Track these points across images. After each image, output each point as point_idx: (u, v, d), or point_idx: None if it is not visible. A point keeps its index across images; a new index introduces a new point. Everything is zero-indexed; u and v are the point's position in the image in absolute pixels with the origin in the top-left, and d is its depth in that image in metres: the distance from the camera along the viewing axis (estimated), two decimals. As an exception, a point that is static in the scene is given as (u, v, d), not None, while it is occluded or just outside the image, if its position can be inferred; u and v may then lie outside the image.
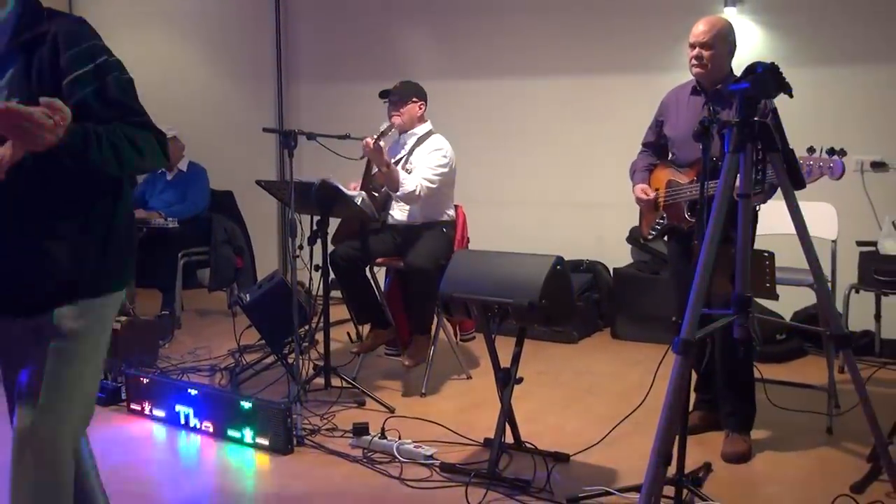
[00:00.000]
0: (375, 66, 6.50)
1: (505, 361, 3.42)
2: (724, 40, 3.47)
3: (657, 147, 3.83)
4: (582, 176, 5.97)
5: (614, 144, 5.73)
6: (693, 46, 3.51)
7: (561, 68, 5.97)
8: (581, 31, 5.88)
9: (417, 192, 4.41)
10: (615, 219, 5.72)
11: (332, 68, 6.86)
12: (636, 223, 5.62)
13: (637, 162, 3.87)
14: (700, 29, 3.49)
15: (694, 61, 3.51)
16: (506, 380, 3.36)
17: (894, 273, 4.52)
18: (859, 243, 4.71)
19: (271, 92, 7.04)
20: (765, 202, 3.39)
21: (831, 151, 2.93)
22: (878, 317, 4.87)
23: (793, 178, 2.09)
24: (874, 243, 4.68)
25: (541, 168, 6.12)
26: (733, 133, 2.08)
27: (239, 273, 6.09)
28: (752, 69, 2.12)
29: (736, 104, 2.10)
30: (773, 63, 2.11)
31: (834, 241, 4.13)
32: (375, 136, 4.30)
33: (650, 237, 3.81)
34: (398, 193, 4.42)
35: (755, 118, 2.07)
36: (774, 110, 2.13)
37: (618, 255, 5.77)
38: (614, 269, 5.68)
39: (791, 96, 2.14)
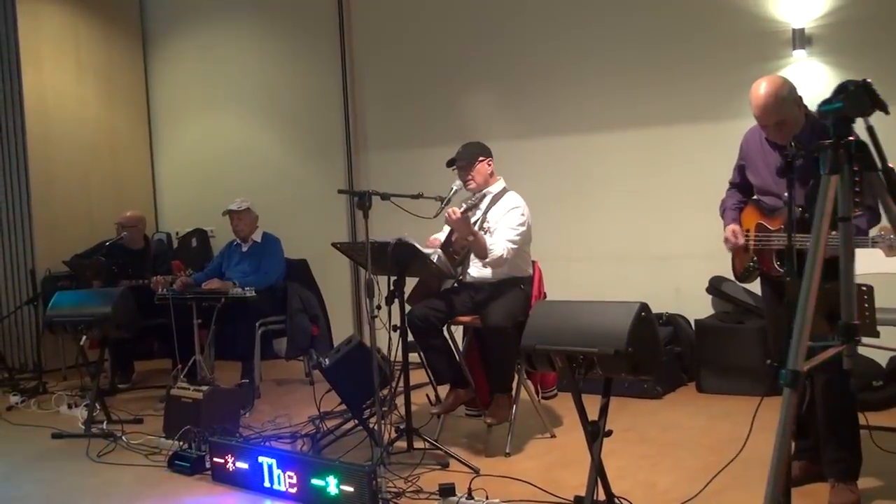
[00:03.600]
0: (441, 131, 6.58)
1: (591, 416, 3.31)
2: (789, 105, 3.32)
3: (743, 186, 3.74)
4: (656, 227, 5.89)
5: (687, 194, 5.69)
6: (764, 126, 3.41)
7: (628, 121, 5.95)
8: (647, 84, 5.85)
9: (505, 256, 4.39)
10: (693, 269, 5.62)
11: (399, 136, 6.97)
12: (714, 273, 5.55)
13: (726, 200, 3.79)
14: (761, 112, 3.34)
15: (772, 135, 3.41)
16: (595, 433, 3.25)
17: None
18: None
19: (341, 161, 7.17)
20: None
21: None
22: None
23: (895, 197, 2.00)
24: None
25: (614, 221, 6.06)
26: (828, 154, 2.00)
27: (315, 341, 6.10)
28: (844, 87, 2.05)
29: (829, 124, 2.02)
30: (865, 80, 2.04)
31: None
32: (463, 208, 4.33)
33: (744, 278, 3.69)
34: (487, 260, 4.40)
35: (850, 137, 1.99)
36: (871, 128, 2.04)
37: (698, 307, 5.62)
38: (696, 321, 5.53)
39: (887, 113, 2.06)
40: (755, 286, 3.83)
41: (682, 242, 5.72)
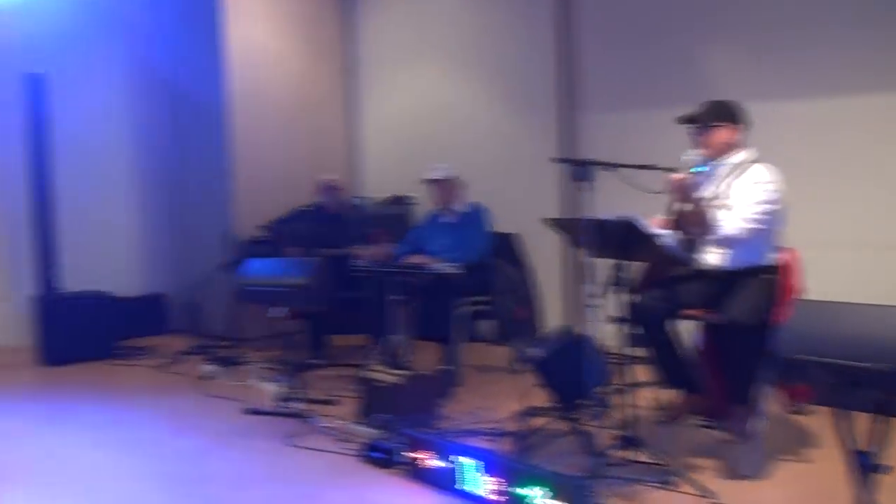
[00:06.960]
0: (675, 88, 5.77)
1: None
2: None
3: None
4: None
5: None
6: None
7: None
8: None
9: (734, 236, 3.76)
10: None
11: (622, 94, 6.21)
12: None
13: None
14: None
15: None
16: (865, 466, 2.58)
17: None
18: None
19: (554, 123, 6.53)
20: None
21: None
22: None
23: None
24: None
25: (884, 203, 5.07)
26: None
27: (523, 325, 5.59)
28: None
29: None
30: None
31: None
32: (689, 172, 3.70)
33: None
34: (713, 237, 3.78)
35: None
36: None
37: None
38: None
39: None
40: None
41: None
